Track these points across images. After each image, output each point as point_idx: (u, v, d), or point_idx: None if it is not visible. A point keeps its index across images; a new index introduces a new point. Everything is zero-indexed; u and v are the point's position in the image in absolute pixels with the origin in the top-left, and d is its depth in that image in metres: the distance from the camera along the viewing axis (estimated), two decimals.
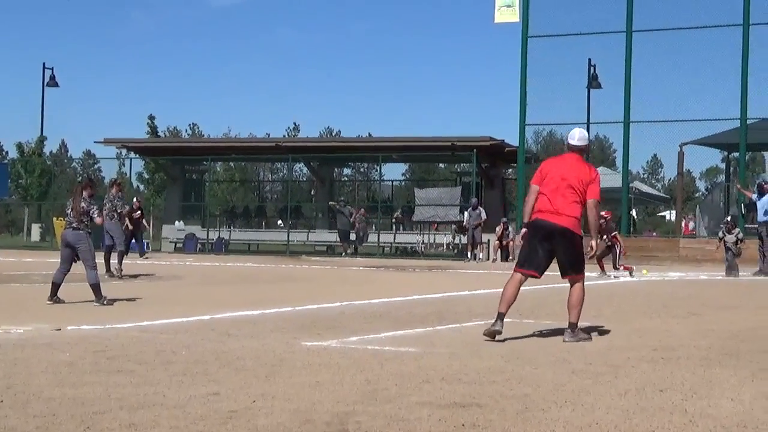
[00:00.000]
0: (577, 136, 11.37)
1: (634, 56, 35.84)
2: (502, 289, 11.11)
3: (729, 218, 28.99)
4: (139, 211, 33.97)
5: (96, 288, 15.07)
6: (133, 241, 35.64)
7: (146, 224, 35.87)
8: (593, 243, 11.40)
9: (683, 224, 45.55)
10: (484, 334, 10.75)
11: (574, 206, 10.95)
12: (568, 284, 11.24)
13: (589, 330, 11.46)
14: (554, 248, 10.97)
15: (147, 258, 33.27)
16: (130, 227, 34.38)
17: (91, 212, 15.29)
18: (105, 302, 14.95)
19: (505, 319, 10.77)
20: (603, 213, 27.56)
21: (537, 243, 11.01)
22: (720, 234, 27.95)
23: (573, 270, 11.06)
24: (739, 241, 27.04)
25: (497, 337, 10.67)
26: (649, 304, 16.49)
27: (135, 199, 37.32)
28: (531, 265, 11.03)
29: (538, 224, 11.00)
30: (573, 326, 11.00)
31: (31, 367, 8.50)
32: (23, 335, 10.86)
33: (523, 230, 11.26)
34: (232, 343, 10.24)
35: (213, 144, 57.34)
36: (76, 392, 7.28)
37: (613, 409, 6.84)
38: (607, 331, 11.86)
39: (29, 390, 7.36)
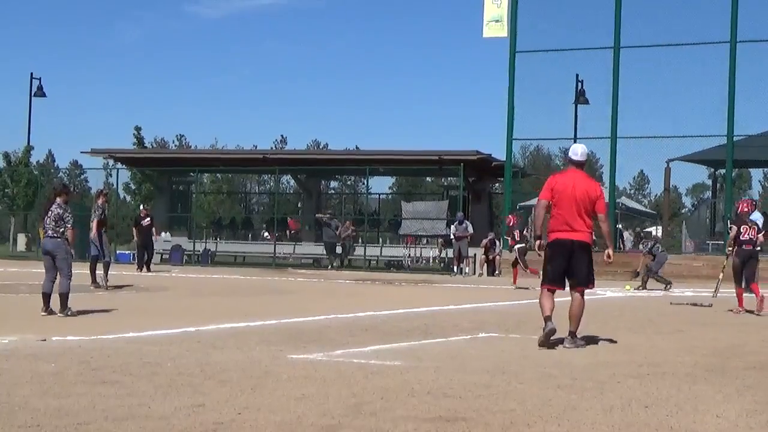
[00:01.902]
0: (579, 152, 12.35)
1: (622, 72, 35.91)
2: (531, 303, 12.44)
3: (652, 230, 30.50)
4: (147, 219, 33.62)
5: (64, 298, 14.93)
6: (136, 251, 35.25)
7: (155, 233, 35.09)
8: (609, 251, 12.17)
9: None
10: (540, 345, 11.48)
11: (588, 221, 11.92)
12: (570, 296, 12.08)
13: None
14: (572, 261, 11.82)
15: (151, 271, 32.50)
16: (135, 237, 34.27)
17: (66, 221, 15.17)
18: (69, 313, 14.79)
19: (491, 333, 10.84)
20: (510, 216, 31.26)
21: (560, 260, 11.87)
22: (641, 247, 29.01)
23: (585, 282, 11.97)
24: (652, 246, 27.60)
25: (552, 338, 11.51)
26: (635, 320, 16.51)
27: (141, 207, 36.99)
28: (556, 281, 11.93)
29: (559, 242, 11.89)
30: (573, 334, 11.77)
31: (16, 377, 8.47)
32: (8, 345, 10.82)
33: (538, 242, 12.56)
34: (217, 355, 10.23)
35: (200, 155, 57.26)
36: (61, 403, 7.26)
37: (599, 425, 6.84)
38: (593, 347, 11.86)
39: (14, 401, 7.33)
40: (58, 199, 15.44)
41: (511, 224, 30.54)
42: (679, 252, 38.70)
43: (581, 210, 11.81)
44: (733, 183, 39.96)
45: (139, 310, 16.85)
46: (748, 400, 8.05)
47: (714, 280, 30.00)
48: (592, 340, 12.54)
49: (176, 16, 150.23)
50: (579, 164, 12.24)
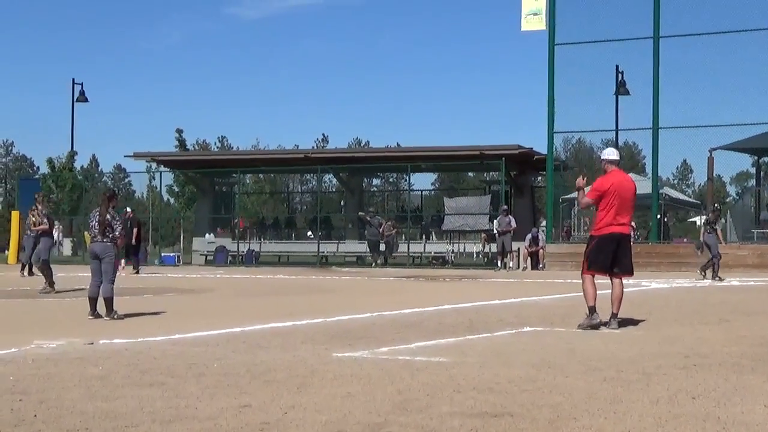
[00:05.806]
0: (614, 152, 13.83)
1: (662, 62, 35.74)
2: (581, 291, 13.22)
3: (716, 205, 30.21)
4: (123, 224, 33.51)
5: (110, 302, 15.00)
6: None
7: (137, 236, 34.26)
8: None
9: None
10: (580, 328, 12.81)
11: (631, 214, 13.47)
12: (612, 282, 13.24)
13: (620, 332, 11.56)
14: (618, 252, 13.12)
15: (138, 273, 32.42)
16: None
17: (115, 228, 15.28)
18: (116, 316, 14.85)
19: (536, 327, 10.90)
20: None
21: (608, 251, 13.12)
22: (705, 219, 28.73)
23: (630, 270, 13.39)
24: (712, 231, 27.29)
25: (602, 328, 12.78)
26: (681, 311, 16.43)
27: (126, 209, 36.83)
28: (602, 269, 13.20)
29: (612, 236, 13.12)
30: (615, 315, 13.01)
31: (64, 381, 8.54)
32: (56, 349, 10.90)
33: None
34: (263, 355, 10.26)
35: (242, 156, 57.45)
36: (108, 406, 7.31)
37: (646, 417, 6.81)
38: (638, 338, 11.82)
39: (62, 404, 7.39)
40: (109, 204, 15.56)
41: None
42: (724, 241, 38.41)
43: (628, 205, 13.21)
44: None
45: (185, 312, 16.94)
46: None
47: (761, 269, 29.86)
48: (637, 331, 12.51)
49: (216, 18, 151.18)
50: (616, 163, 13.56)
